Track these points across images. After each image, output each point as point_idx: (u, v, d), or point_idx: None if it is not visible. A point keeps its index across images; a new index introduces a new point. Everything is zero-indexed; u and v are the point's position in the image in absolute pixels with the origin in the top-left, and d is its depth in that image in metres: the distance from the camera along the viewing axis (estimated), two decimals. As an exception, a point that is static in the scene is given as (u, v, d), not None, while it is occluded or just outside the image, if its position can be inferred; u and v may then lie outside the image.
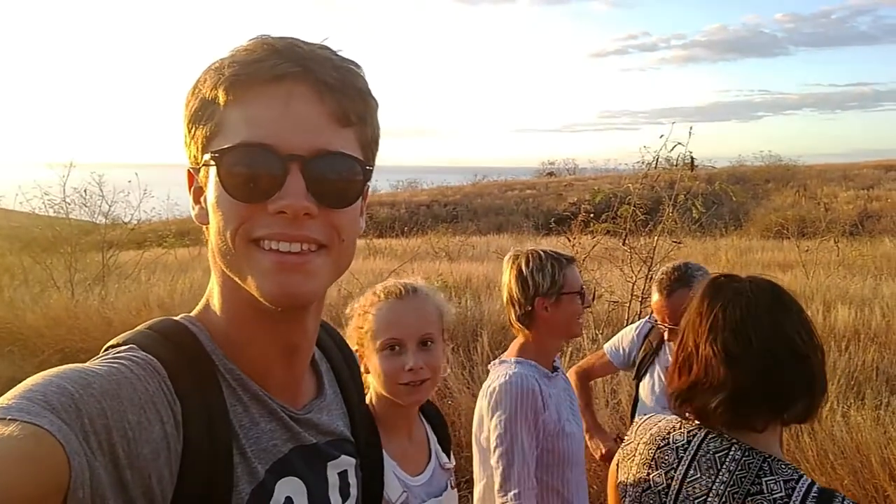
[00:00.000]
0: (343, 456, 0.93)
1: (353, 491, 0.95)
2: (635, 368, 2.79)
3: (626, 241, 5.76)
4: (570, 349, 5.20)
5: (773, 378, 1.21)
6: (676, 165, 6.50)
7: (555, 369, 2.12)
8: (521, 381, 1.93)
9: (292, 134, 0.75)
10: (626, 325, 5.74)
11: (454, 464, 1.66)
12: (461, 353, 5.88)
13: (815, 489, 1.16)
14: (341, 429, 0.95)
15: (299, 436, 0.85)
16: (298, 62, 0.76)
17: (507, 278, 2.08)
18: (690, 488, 1.26)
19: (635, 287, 5.78)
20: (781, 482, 1.18)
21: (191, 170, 0.83)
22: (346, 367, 1.03)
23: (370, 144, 0.84)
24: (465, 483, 3.40)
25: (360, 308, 1.56)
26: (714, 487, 1.23)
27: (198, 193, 0.82)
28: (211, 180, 0.78)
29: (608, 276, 7.01)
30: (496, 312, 6.91)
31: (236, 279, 0.78)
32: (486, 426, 1.96)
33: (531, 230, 22.66)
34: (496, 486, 1.88)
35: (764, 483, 1.18)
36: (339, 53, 0.81)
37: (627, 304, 5.81)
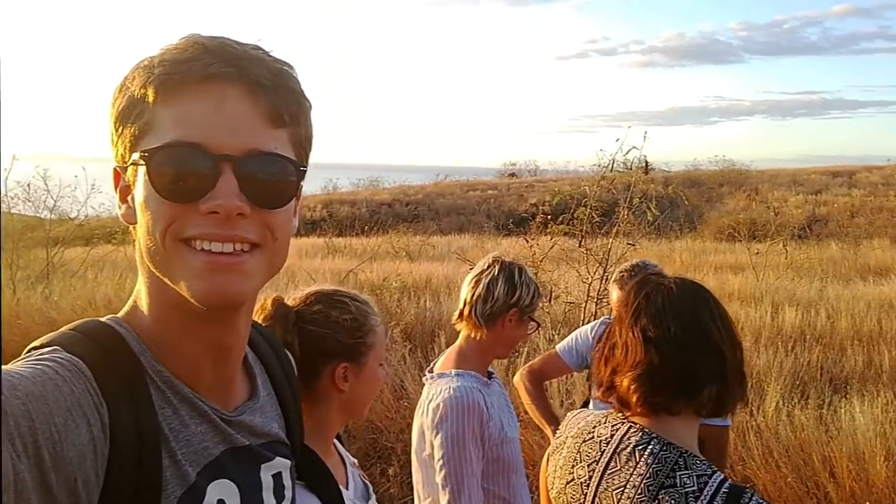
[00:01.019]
0: (278, 458, 0.92)
1: (288, 493, 0.95)
2: (588, 370, 2.82)
3: (583, 243, 5.84)
4: (525, 349, 5.24)
5: (685, 362, 1.27)
6: (632, 169, 6.62)
7: (490, 375, 2.09)
8: (465, 394, 1.87)
9: (225, 134, 0.74)
10: (582, 325, 5.83)
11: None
12: (419, 353, 5.88)
13: (726, 485, 1.20)
14: (276, 430, 0.94)
15: (231, 438, 0.85)
16: (231, 62, 0.76)
17: (495, 276, 1.99)
18: (610, 480, 1.30)
19: (591, 288, 5.86)
20: (695, 477, 1.22)
21: (117, 168, 0.81)
22: (279, 369, 1.02)
23: (303, 144, 0.84)
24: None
25: (357, 315, 1.46)
26: (632, 479, 1.27)
27: (125, 192, 0.81)
28: (140, 179, 0.76)
29: (565, 277, 7.09)
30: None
31: (166, 280, 0.77)
32: (428, 443, 1.90)
33: (492, 230, 22.77)
34: None
35: (678, 477, 1.23)
36: (272, 54, 0.81)
37: (583, 305, 5.89)
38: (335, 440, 1.59)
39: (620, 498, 1.26)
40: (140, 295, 0.83)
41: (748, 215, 20.37)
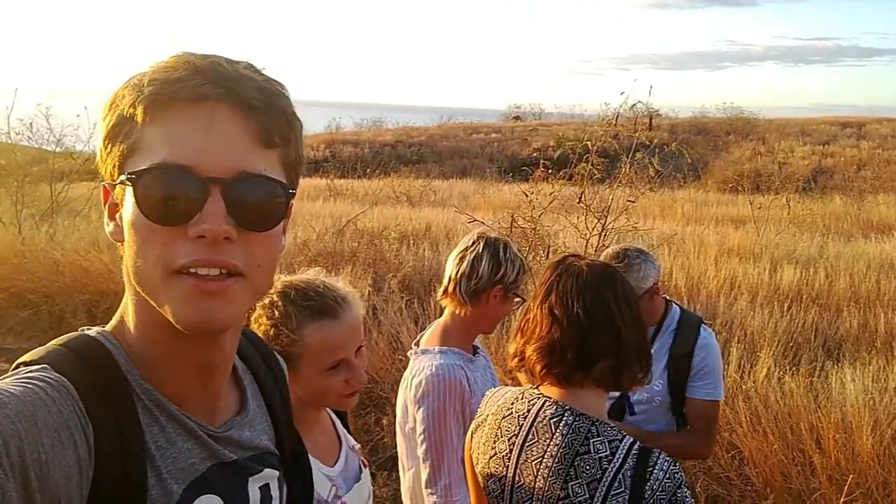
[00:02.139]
0: (266, 469, 0.94)
1: (276, 503, 0.96)
2: None
3: (582, 199, 5.77)
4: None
5: (581, 339, 1.39)
6: (636, 123, 6.49)
7: (475, 350, 2.11)
8: (447, 371, 1.91)
9: (213, 156, 0.74)
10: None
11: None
12: (416, 304, 5.90)
13: (636, 447, 1.32)
14: (265, 443, 0.95)
15: (218, 453, 0.86)
16: (221, 83, 0.75)
17: (479, 253, 1.98)
18: (529, 451, 1.40)
19: (589, 244, 5.83)
20: (606, 442, 1.33)
21: (106, 185, 0.81)
22: (270, 377, 1.03)
23: (294, 165, 0.84)
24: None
25: (280, 320, 1.43)
26: (549, 450, 1.37)
27: (113, 210, 0.81)
28: (127, 199, 0.76)
29: (564, 232, 7.06)
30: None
31: (152, 302, 0.77)
32: (411, 417, 1.96)
33: (495, 175, 22.63)
34: (424, 478, 1.89)
35: (591, 444, 1.34)
36: (264, 73, 0.80)
37: (581, 261, 5.87)
38: (336, 423, 1.61)
39: (539, 468, 1.37)
40: (127, 310, 0.83)
41: (753, 166, 20.19)
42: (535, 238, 6.35)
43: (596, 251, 5.75)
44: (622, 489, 1.28)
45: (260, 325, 1.44)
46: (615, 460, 1.31)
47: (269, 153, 0.78)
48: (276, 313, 1.43)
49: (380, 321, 5.66)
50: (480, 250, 1.99)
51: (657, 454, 1.31)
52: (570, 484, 1.32)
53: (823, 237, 10.07)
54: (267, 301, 1.45)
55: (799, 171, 18.43)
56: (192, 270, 0.74)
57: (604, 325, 1.39)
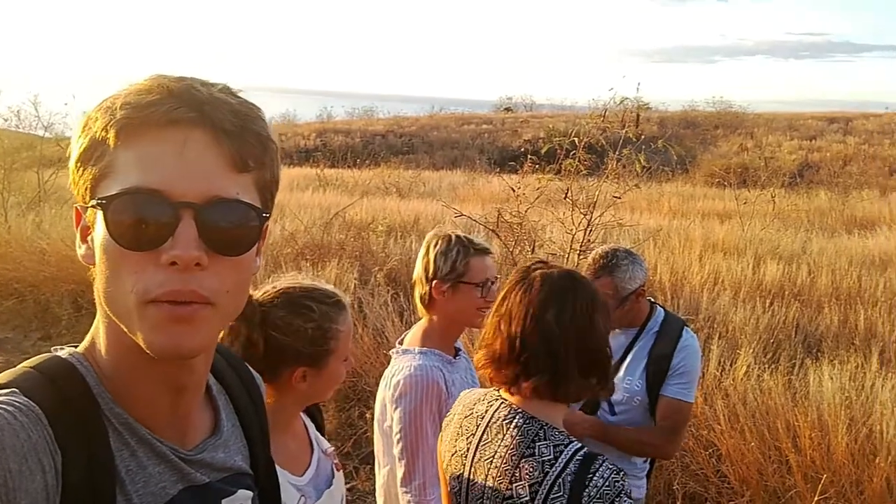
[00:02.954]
0: (240, 490, 0.93)
1: None
2: None
3: (569, 195, 5.79)
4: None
5: (518, 354, 1.43)
6: (626, 114, 6.51)
7: (457, 351, 2.13)
8: (425, 373, 1.94)
9: (186, 180, 0.74)
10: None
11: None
12: (402, 298, 5.91)
13: (580, 453, 1.35)
14: (239, 463, 0.95)
15: (190, 476, 0.86)
16: (195, 107, 0.74)
17: (419, 259, 2.08)
18: (483, 451, 1.46)
19: (574, 239, 5.86)
20: (552, 446, 1.37)
21: (78, 208, 0.81)
22: (245, 395, 1.03)
23: (269, 187, 0.84)
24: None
25: (320, 320, 1.48)
26: (499, 451, 1.43)
27: (85, 232, 0.80)
28: (98, 224, 0.76)
29: (550, 227, 7.08)
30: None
31: (123, 327, 0.77)
32: (388, 415, 1.98)
33: (485, 166, 22.61)
34: (399, 476, 1.92)
35: (537, 447, 1.38)
36: (239, 95, 0.80)
37: (566, 256, 5.90)
38: (310, 427, 1.62)
39: (490, 467, 1.42)
40: (98, 333, 0.83)
41: (740, 160, 20.29)
42: (522, 233, 6.37)
43: (581, 246, 5.79)
44: (561, 493, 1.30)
45: (296, 329, 1.46)
46: (557, 464, 1.34)
47: (243, 177, 0.78)
48: (318, 315, 1.48)
49: (365, 315, 5.66)
50: (420, 256, 2.07)
51: (601, 462, 1.33)
52: (514, 485, 1.36)
53: (807, 232, 10.16)
54: (300, 305, 1.48)
55: (785, 166, 18.52)
56: (163, 299, 0.74)
57: (539, 347, 1.42)
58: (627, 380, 2.41)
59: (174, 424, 0.86)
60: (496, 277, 2.07)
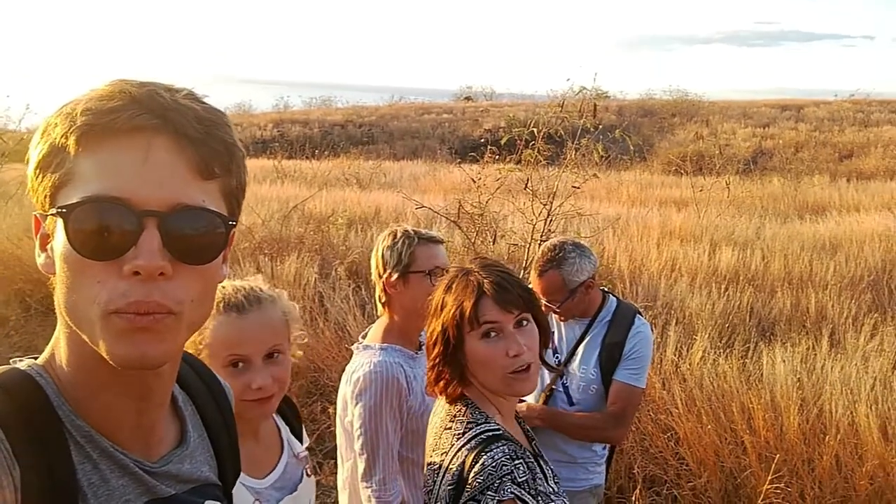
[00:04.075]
0: (207, 502, 0.92)
1: None
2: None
3: (528, 185, 5.82)
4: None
5: (439, 357, 1.53)
6: (584, 103, 6.56)
7: (421, 346, 2.12)
8: (385, 369, 1.93)
9: (149, 188, 0.73)
10: (526, 266, 5.93)
11: (305, 447, 1.65)
12: (363, 292, 5.88)
13: (485, 434, 1.43)
14: (206, 474, 0.94)
15: (155, 489, 0.84)
16: (158, 113, 0.73)
17: (371, 257, 2.10)
18: (432, 421, 1.60)
19: (535, 229, 5.90)
20: (465, 423, 1.47)
21: (37, 215, 0.78)
22: (212, 404, 1.01)
23: (235, 194, 0.83)
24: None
25: None
26: (435, 421, 1.58)
27: (44, 241, 0.78)
28: (59, 232, 0.74)
29: (512, 216, 7.12)
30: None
31: (84, 337, 0.76)
32: (349, 412, 1.98)
33: (446, 156, 22.59)
34: (360, 473, 1.93)
35: (455, 422, 1.49)
36: (205, 101, 0.79)
37: (527, 247, 5.94)
38: (283, 429, 1.59)
39: (429, 435, 1.57)
40: (59, 343, 0.81)
41: (696, 148, 20.68)
42: (483, 223, 6.39)
43: (542, 236, 5.83)
44: (457, 465, 1.40)
45: None
46: (462, 439, 1.43)
47: (209, 184, 0.77)
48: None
49: (326, 308, 5.62)
50: (372, 256, 2.10)
51: (498, 446, 1.39)
52: (434, 451, 1.49)
53: (761, 218, 10.41)
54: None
55: (740, 153, 18.96)
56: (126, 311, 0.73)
57: (443, 350, 1.52)
58: (583, 369, 2.44)
59: (139, 436, 0.85)
60: (449, 266, 2.06)
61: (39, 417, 0.75)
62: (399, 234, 2.04)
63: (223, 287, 1.46)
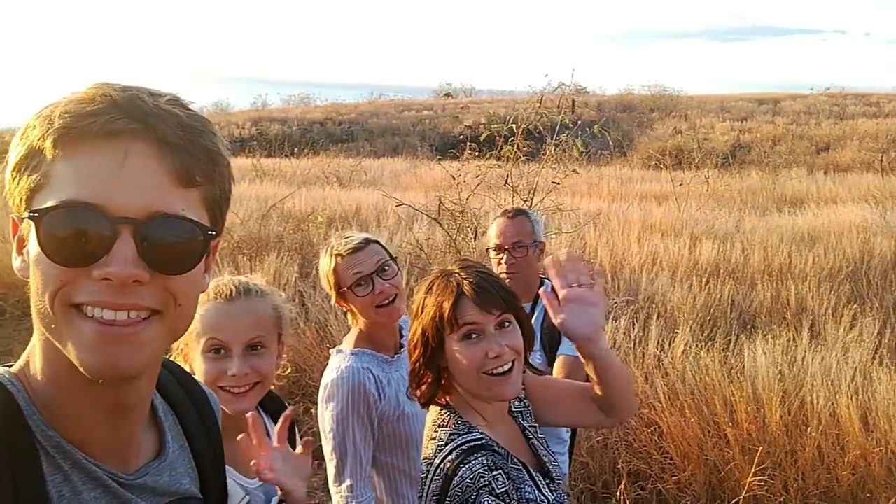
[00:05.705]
0: None
1: None
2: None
3: (509, 181, 5.82)
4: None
5: (419, 360, 1.49)
6: (562, 99, 6.57)
7: (400, 348, 2.08)
8: (353, 375, 1.91)
9: (125, 195, 0.71)
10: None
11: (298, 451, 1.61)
12: (345, 290, 5.83)
13: (466, 445, 1.41)
14: (186, 486, 0.91)
15: (129, 502, 0.81)
16: (139, 118, 0.71)
17: None
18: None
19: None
20: (448, 433, 1.44)
21: (14, 218, 0.76)
22: (195, 416, 0.98)
23: (218, 203, 0.80)
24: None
25: None
26: (424, 430, 1.56)
27: (21, 244, 0.76)
28: (33, 236, 0.72)
29: (491, 213, 7.09)
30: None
31: (57, 344, 0.73)
32: (321, 415, 1.97)
33: (427, 153, 22.54)
34: (331, 476, 1.92)
35: (438, 432, 1.47)
36: (189, 108, 0.77)
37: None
38: (269, 423, 1.56)
39: (424, 436, 1.55)
40: (34, 352, 0.79)
41: (675, 142, 20.83)
42: (463, 220, 6.37)
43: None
44: (439, 476, 1.39)
45: None
46: (445, 449, 1.41)
47: (190, 192, 0.75)
48: None
49: (307, 308, 5.56)
50: None
51: (476, 457, 1.38)
52: (424, 460, 1.48)
53: (740, 212, 10.50)
54: None
55: (718, 147, 19.12)
56: (96, 314, 0.71)
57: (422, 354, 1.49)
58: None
59: (114, 447, 0.82)
60: (376, 267, 1.97)
61: (7, 426, 0.73)
62: (325, 255, 2.01)
63: (220, 279, 1.49)
